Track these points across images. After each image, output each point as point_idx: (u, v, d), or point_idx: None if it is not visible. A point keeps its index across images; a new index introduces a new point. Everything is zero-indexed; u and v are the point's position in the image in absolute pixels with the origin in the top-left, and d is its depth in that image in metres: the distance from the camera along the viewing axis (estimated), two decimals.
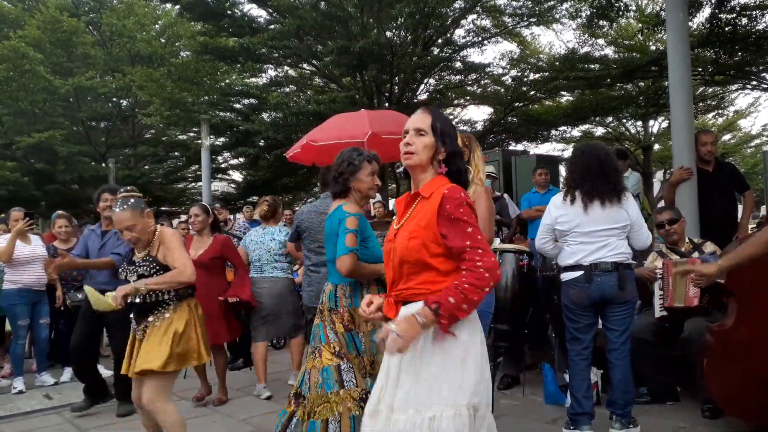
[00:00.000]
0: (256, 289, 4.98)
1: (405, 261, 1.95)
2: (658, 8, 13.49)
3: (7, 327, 5.85)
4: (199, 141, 14.12)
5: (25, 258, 5.54)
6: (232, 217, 7.40)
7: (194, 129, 15.92)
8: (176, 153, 19.62)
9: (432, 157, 2.03)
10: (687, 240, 4.31)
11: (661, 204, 5.36)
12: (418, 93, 14.57)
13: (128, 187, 3.30)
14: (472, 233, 1.87)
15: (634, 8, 13.75)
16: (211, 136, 13.79)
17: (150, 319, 3.06)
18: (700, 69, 11.54)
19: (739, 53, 10.93)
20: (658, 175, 20.79)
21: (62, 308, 6.06)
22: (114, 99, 18.29)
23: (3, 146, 16.27)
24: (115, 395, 4.73)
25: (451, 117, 18.85)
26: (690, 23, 8.80)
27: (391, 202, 11.84)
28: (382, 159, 3.36)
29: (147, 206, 3.23)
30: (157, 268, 3.08)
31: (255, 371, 5.05)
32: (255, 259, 5.05)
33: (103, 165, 17.53)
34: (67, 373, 6.00)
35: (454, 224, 1.88)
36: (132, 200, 3.12)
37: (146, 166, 19.64)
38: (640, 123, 18.68)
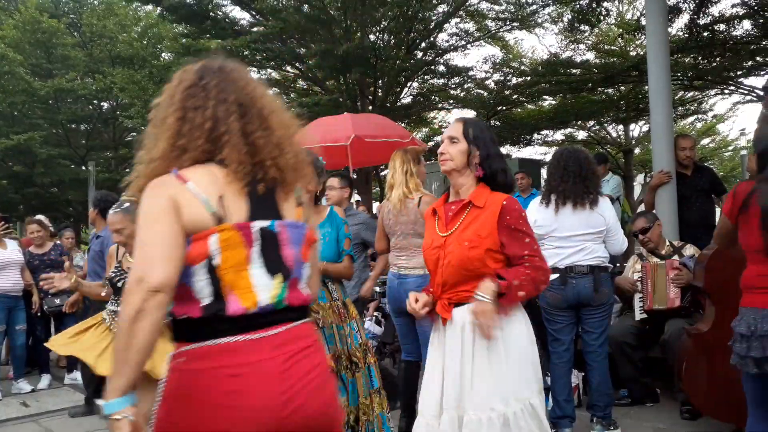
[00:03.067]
0: None
1: (463, 268, 2.07)
2: (638, 14, 13.67)
3: None
4: None
5: (0, 263, 5.45)
6: None
7: None
8: None
9: (467, 162, 2.17)
10: (667, 243, 4.35)
11: (642, 207, 5.42)
12: (401, 96, 14.58)
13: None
14: (530, 243, 2.07)
15: (614, 14, 13.92)
16: None
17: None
18: (680, 74, 11.69)
19: (718, 59, 11.10)
20: (639, 179, 21.03)
21: (39, 314, 5.97)
22: (95, 101, 18.06)
23: None
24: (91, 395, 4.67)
25: (434, 120, 18.90)
26: (669, 29, 8.91)
27: (375, 205, 11.83)
28: (365, 162, 3.48)
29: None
30: (122, 278, 3.07)
31: None
32: None
33: (83, 168, 17.29)
34: (45, 379, 5.91)
35: (515, 234, 2.05)
36: (126, 205, 3.15)
37: (127, 170, 19.41)
38: (621, 127, 18.87)
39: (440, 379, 2.08)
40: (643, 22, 9.85)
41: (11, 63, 15.02)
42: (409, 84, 14.43)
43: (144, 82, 13.63)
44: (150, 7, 14.55)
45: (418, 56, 13.42)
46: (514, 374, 1.99)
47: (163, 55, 16.71)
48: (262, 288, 1.36)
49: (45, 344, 3.16)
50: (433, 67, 14.06)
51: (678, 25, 10.31)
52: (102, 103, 18.30)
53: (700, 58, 11.16)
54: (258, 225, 1.38)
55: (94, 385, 4.56)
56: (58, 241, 6.68)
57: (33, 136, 15.17)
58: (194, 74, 1.51)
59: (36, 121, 16.41)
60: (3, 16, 17.01)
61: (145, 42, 17.01)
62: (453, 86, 15.18)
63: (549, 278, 2.11)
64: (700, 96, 15.71)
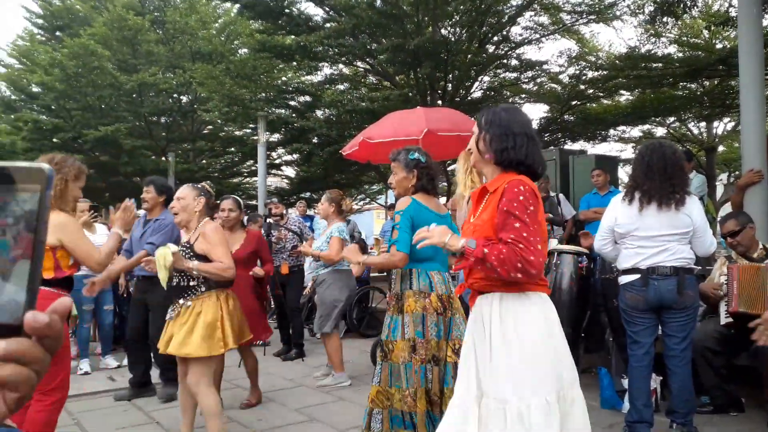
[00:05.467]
0: (334, 281, 5.19)
1: None
2: (726, 5, 12.96)
3: (74, 311, 6.15)
4: (256, 137, 14.41)
5: None
6: (286, 211, 7.54)
7: (251, 125, 16.25)
8: (233, 148, 20.10)
9: (481, 148, 2.15)
10: (761, 246, 4.10)
11: (727, 206, 5.16)
12: (472, 90, 14.41)
13: (208, 182, 3.65)
14: (519, 228, 1.93)
15: (700, 4, 13.23)
16: (267, 133, 14.06)
17: (180, 302, 3.29)
18: None
19: None
20: (722, 178, 19.97)
21: (125, 295, 6.34)
22: (175, 95, 18.86)
23: (72, 139, 17.03)
24: (160, 378, 4.91)
25: None
26: (763, 20, 8.39)
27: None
28: (437, 156, 3.54)
29: (208, 197, 3.45)
30: (190, 255, 3.26)
31: (331, 361, 5.25)
32: None
33: (163, 159, 18.13)
34: None
35: (506, 216, 1.96)
36: (199, 185, 3.46)
37: (204, 161, 20.18)
38: (703, 124, 17.96)
39: (471, 364, 2.08)
40: (733, 13, 9.32)
41: (100, 59, 15.92)
42: (480, 78, 14.25)
43: (221, 77, 14.09)
44: (229, 4, 15.05)
45: (490, 50, 13.23)
46: (529, 369, 1.94)
47: (239, 50, 17.24)
48: None
49: (157, 348, 3.42)
50: (505, 60, 13.83)
51: None
52: (181, 97, 19.09)
53: None
54: None
55: (166, 370, 4.82)
56: None
57: (119, 128, 16.03)
58: None
59: (121, 113, 17.31)
60: (93, 14, 18.04)
61: (223, 38, 17.61)
62: (526, 80, 14.90)
63: (529, 268, 1.88)
64: None
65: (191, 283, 3.28)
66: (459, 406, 2.08)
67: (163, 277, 3.22)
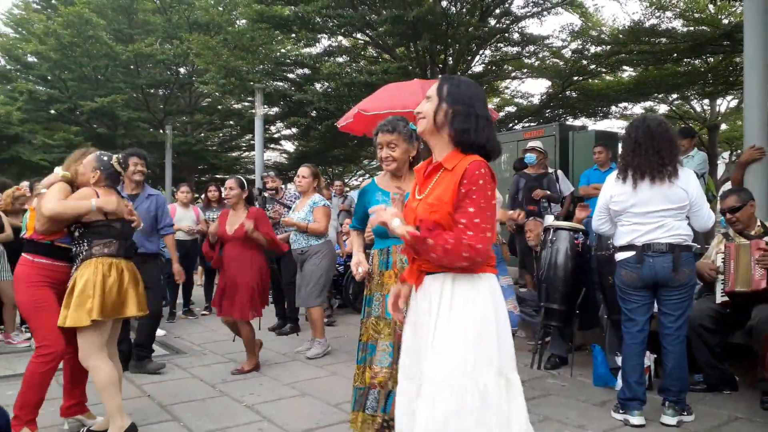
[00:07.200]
0: (327, 251, 5.36)
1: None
2: None
3: None
4: (254, 110, 14.27)
5: None
6: (284, 186, 7.47)
7: (249, 98, 16.07)
8: (231, 122, 19.90)
9: (438, 120, 2.01)
10: (759, 223, 4.04)
11: (728, 185, 5.09)
12: (472, 64, 14.22)
13: (119, 154, 3.52)
14: (473, 213, 1.86)
15: None
16: (265, 106, 13.90)
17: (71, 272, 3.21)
18: None
19: None
20: (723, 157, 19.84)
21: None
22: (172, 66, 18.61)
23: (68, 110, 16.85)
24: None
25: (506, 90, 18.36)
26: None
27: None
28: None
29: (107, 169, 3.31)
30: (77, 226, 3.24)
31: (316, 331, 5.28)
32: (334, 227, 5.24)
33: (161, 131, 17.97)
34: None
35: (462, 198, 1.88)
36: (104, 156, 3.36)
37: (202, 134, 20.01)
38: (706, 101, 17.78)
39: (410, 345, 2.03)
40: None
41: (95, 28, 15.66)
42: (480, 52, 14.06)
43: (219, 48, 13.87)
44: None
45: (492, 23, 13.01)
46: (472, 351, 1.86)
47: (237, 21, 16.95)
48: None
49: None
50: (506, 34, 13.62)
51: None
52: (179, 69, 18.84)
53: None
54: None
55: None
56: None
57: (115, 99, 15.85)
58: None
59: (117, 84, 17.10)
60: None
61: (221, 8, 17.30)
62: (527, 55, 14.68)
63: (475, 256, 1.83)
64: None
65: (77, 252, 3.18)
66: (404, 393, 2.02)
67: None
